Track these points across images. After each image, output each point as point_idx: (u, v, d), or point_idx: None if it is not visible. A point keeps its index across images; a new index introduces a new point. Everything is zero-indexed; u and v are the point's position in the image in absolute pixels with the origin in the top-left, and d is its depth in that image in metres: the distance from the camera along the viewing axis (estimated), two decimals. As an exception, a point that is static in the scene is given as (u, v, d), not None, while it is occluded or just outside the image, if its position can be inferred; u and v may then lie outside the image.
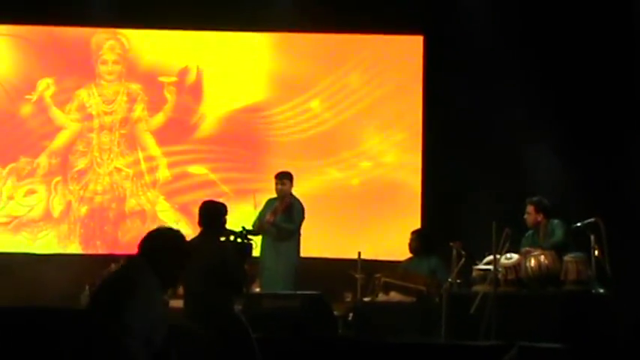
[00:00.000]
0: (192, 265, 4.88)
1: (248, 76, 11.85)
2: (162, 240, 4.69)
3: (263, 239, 9.53)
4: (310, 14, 11.31)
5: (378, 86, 11.77)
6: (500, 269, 8.59)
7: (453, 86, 10.95)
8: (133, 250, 4.64)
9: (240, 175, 11.56)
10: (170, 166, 11.74)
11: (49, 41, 11.92)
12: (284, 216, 9.63)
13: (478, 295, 8.42)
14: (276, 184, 9.72)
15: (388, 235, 11.09)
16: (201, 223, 7.37)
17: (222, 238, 7.35)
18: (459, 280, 9.06)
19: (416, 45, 11.68)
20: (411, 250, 9.89)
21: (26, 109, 11.74)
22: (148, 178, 11.73)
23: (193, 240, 7.27)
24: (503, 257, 8.65)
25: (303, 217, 9.67)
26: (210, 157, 11.76)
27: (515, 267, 8.71)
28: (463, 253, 9.05)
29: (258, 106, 11.81)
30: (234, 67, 11.88)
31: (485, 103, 11.05)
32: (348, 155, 11.69)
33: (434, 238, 9.91)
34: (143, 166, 11.74)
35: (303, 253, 9.72)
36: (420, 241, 9.84)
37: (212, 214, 7.38)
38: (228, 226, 7.42)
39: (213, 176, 11.67)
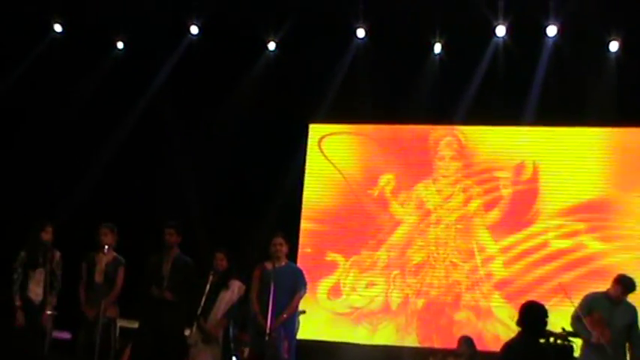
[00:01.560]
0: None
1: (583, 172, 11.60)
2: None
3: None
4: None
5: None
6: None
7: None
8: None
9: (572, 274, 11.22)
10: (506, 262, 11.65)
11: (391, 138, 12.34)
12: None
13: None
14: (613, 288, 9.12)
15: None
16: (520, 324, 7.24)
17: (542, 340, 7.17)
18: None
19: None
20: None
21: (368, 204, 12.19)
22: (482, 273, 11.71)
23: (513, 341, 7.19)
24: None
25: None
26: (543, 253, 11.54)
27: None
28: None
29: (593, 202, 11.48)
30: (569, 162, 11.66)
31: None
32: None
33: None
34: (478, 260, 11.75)
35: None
36: None
37: (532, 315, 7.23)
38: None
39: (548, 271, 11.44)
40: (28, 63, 12.11)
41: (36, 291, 9.15)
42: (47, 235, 9.24)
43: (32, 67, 12.15)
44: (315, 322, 11.69)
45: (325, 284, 12.06)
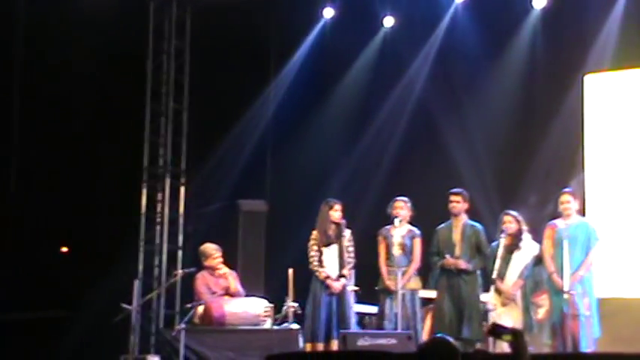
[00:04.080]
0: None
1: None
2: None
3: None
4: None
5: None
6: None
7: None
8: None
9: None
10: None
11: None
12: None
13: None
14: None
15: None
16: None
17: None
18: None
19: None
20: None
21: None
22: None
23: None
24: None
25: None
26: None
27: None
28: None
29: None
30: None
31: None
32: None
33: None
34: None
35: None
36: None
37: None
38: None
39: None
40: (303, 51, 12.55)
41: (331, 267, 9.53)
42: (336, 214, 9.59)
43: (308, 54, 12.57)
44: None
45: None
